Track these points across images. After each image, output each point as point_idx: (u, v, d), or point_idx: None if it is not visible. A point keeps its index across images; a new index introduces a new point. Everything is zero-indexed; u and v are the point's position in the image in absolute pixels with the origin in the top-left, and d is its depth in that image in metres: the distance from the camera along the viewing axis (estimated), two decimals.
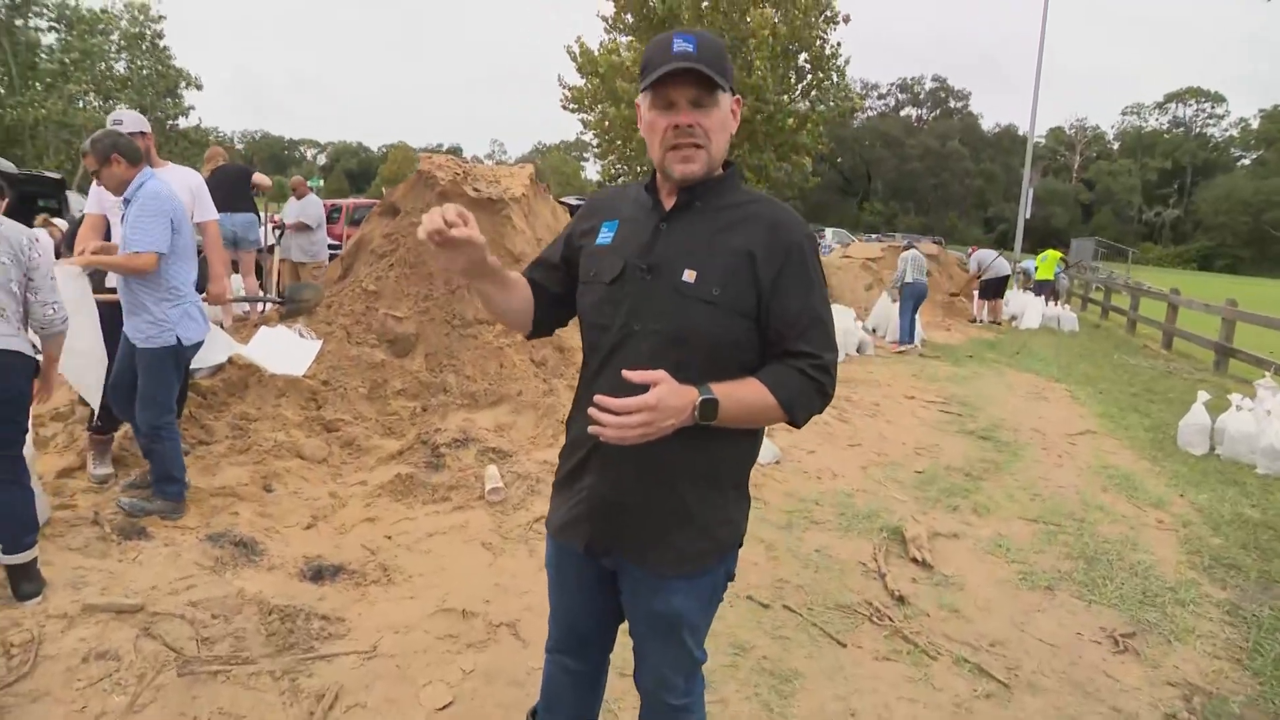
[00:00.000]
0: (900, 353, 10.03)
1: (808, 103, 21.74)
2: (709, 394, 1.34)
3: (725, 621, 2.96)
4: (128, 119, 4.01)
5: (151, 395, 3.35)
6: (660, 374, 1.31)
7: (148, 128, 4.06)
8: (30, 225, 6.94)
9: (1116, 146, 74.92)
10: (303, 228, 8.49)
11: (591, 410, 1.31)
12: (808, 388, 1.42)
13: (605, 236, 1.53)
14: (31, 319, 2.72)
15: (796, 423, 1.46)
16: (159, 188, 3.31)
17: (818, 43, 20.82)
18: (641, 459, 1.38)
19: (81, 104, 27.95)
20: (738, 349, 1.43)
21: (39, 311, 2.73)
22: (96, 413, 3.77)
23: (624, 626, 1.72)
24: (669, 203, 1.48)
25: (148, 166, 3.45)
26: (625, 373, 1.31)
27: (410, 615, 2.88)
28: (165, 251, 3.26)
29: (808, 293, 1.44)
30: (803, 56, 21.16)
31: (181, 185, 3.81)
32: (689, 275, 1.40)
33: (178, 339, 3.33)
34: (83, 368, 3.40)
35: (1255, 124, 67.38)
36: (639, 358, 1.39)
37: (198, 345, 3.51)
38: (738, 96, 1.48)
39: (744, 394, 1.38)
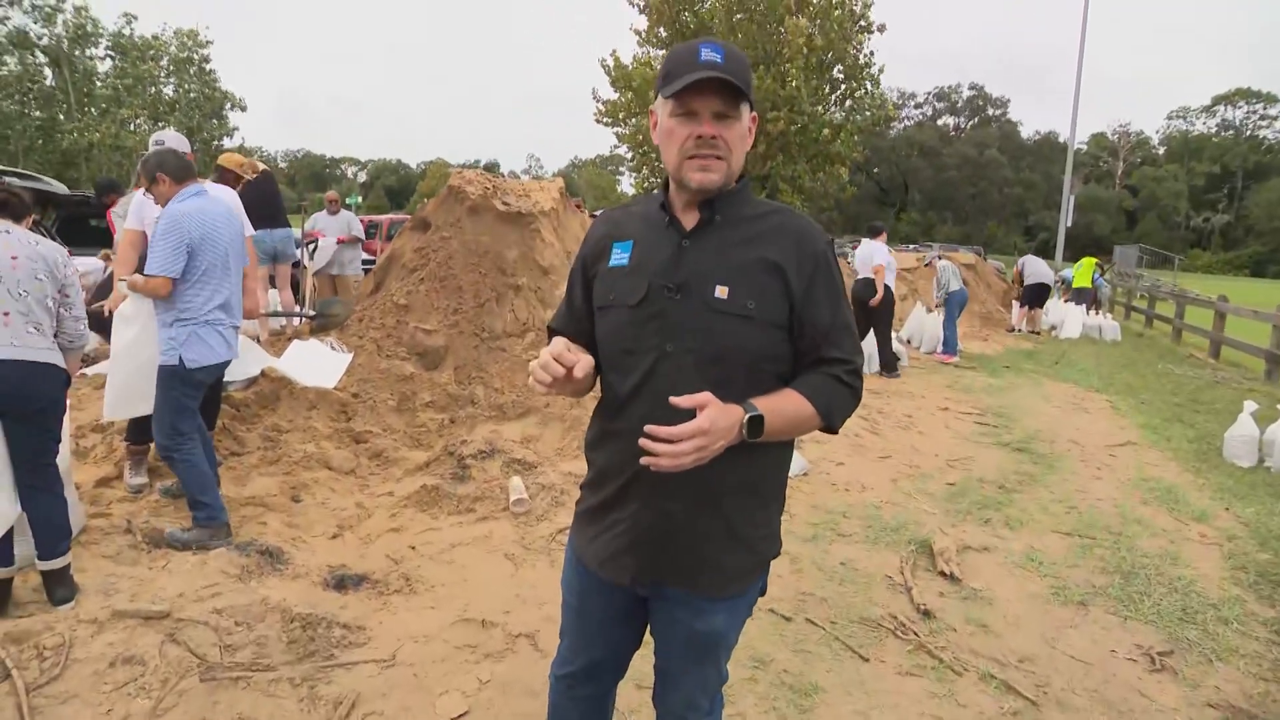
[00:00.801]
0: (947, 363, 9.85)
1: (842, 113, 21.66)
2: (754, 411, 1.33)
3: (746, 634, 2.89)
4: (169, 139, 4.18)
5: (159, 415, 3.32)
6: (706, 396, 1.29)
7: (188, 147, 4.23)
8: (80, 244, 7.21)
9: (1162, 151, 73.08)
10: (354, 241, 8.75)
11: (643, 441, 1.28)
12: (843, 393, 1.44)
13: (620, 258, 1.49)
14: (61, 333, 2.82)
15: (834, 428, 1.46)
16: (181, 209, 3.29)
17: (851, 52, 20.74)
18: (686, 481, 1.35)
19: (132, 127, 29.00)
20: (774, 361, 1.43)
21: (70, 326, 2.83)
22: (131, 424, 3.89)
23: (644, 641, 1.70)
24: (686, 218, 1.46)
25: (194, 184, 3.44)
26: (673, 399, 1.29)
27: (430, 625, 2.90)
28: (175, 275, 3.22)
29: (836, 301, 1.44)
30: (837, 67, 21.10)
31: None
32: (721, 291, 1.38)
33: (180, 359, 3.26)
34: (137, 379, 3.49)
35: None
36: (679, 379, 1.37)
37: (208, 369, 3.38)
38: (755, 114, 1.46)
39: (785, 406, 1.38)
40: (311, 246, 8.62)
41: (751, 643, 2.88)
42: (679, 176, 1.41)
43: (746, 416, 1.32)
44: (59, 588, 2.75)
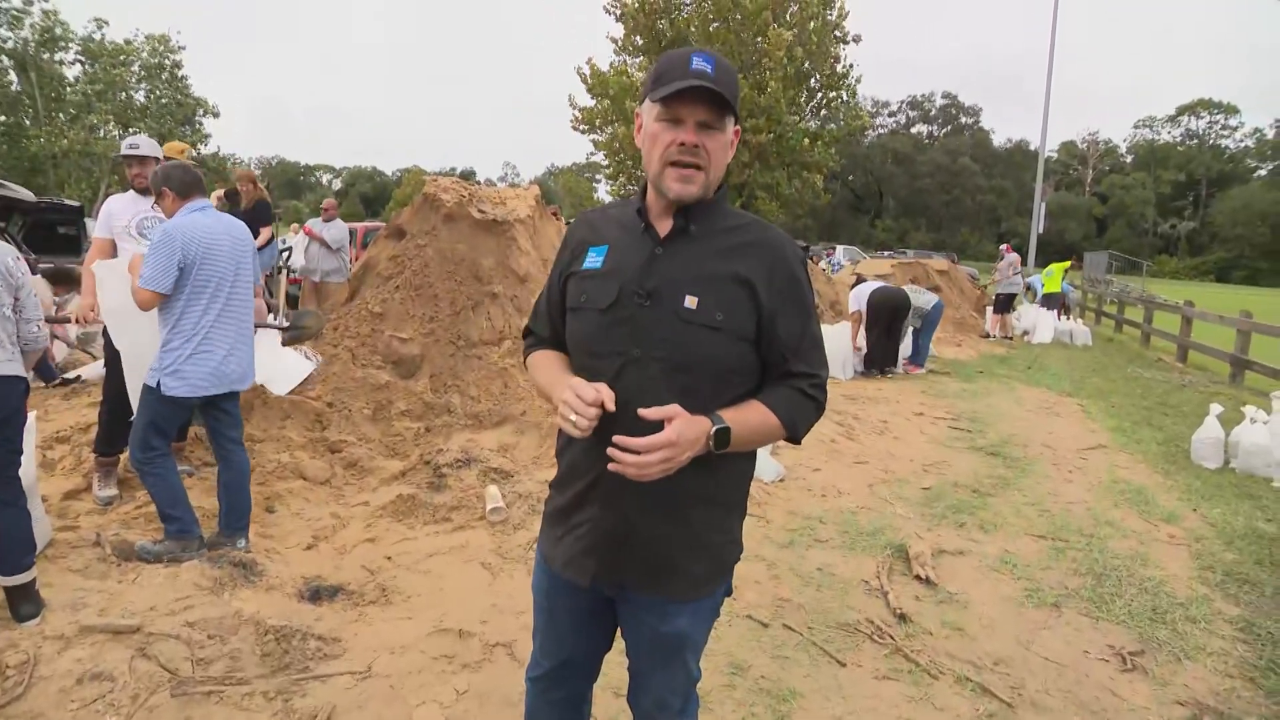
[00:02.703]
0: (912, 373, 9.96)
1: (817, 121, 21.89)
2: (721, 423, 1.36)
3: (723, 641, 2.94)
4: (142, 144, 4.09)
5: (135, 428, 3.23)
6: (674, 409, 1.32)
7: (160, 153, 4.16)
8: (47, 252, 7.09)
9: (1129, 160, 74.49)
10: (324, 244, 8.69)
11: (611, 450, 1.31)
12: (807, 405, 1.47)
13: (594, 261, 1.50)
14: (18, 337, 2.75)
15: (797, 439, 1.49)
16: (176, 224, 3.19)
17: (830, 62, 20.97)
18: (648, 488, 1.36)
19: (102, 133, 28.54)
20: (740, 373, 1.45)
21: (24, 330, 2.76)
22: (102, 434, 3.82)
23: (617, 645, 1.70)
24: (662, 226, 1.47)
25: (199, 199, 3.32)
26: (642, 411, 1.31)
27: (406, 635, 2.87)
28: (163, 291, 3.12)
29: (806, 317, 1.47)
30: (814, 77, 21.32)
31: None
32: (690, 301, 1.40)
33: (159, 383, 3.16)
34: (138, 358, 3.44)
35: (1270, 134, 66.93)
36: (644, 384, 1.39)
37: (182, 401, 3.21)
38: (738, 126, 1.48)
39: (750, 417, 1.41)
40: (286, 254, 8.55)
41: (729, 649, 2.89)
42: (658, 183, 1.43)
43: (714, 428, 1.35)
44: (23, 604, 2.68)
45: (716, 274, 1.42)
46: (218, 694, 2.40)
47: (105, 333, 3.77)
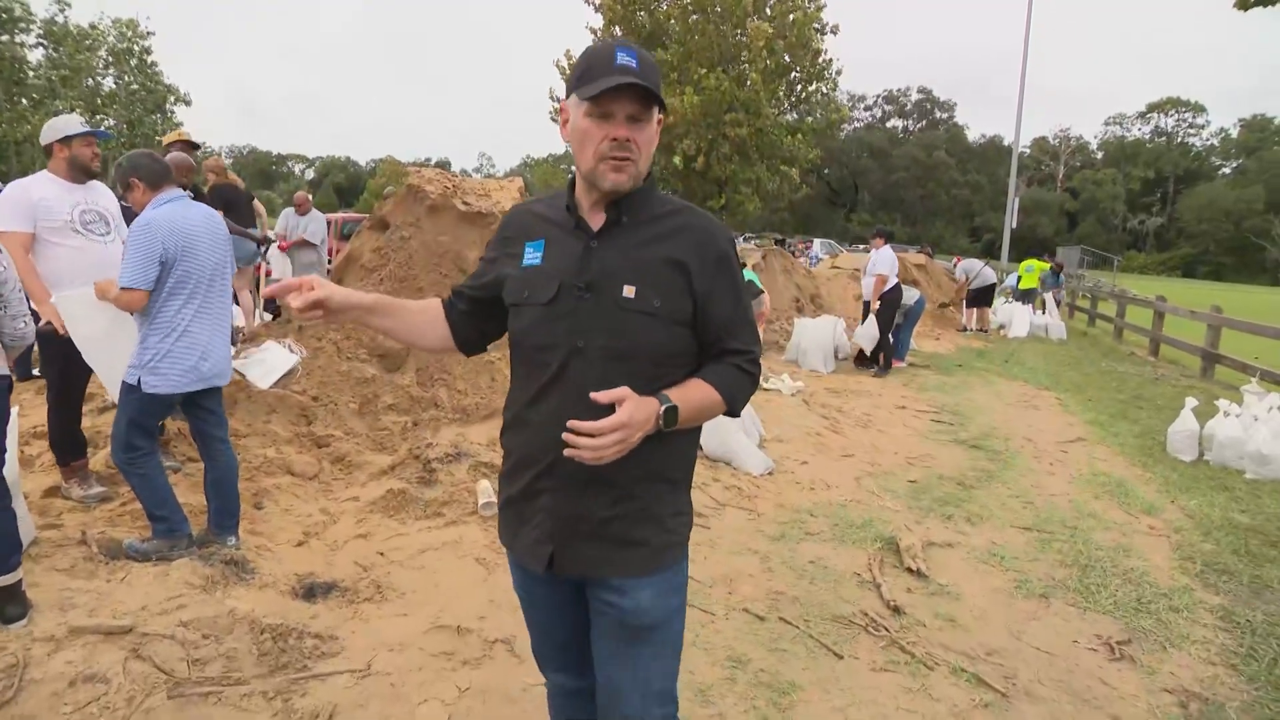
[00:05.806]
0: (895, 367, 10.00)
1: (795, 115, 21.96)
2: (669, 402, 1.42)
3: (722, 635, 2.96)
4: (60, 124, 3.67)
5: (115, 428, 3.13)
6: (624, 391, 1.37)
7: (78, 127, 3.67)
8: None
9: (1100, 156, 75.56)
10: (304, 244, 8.54)
11: (567, 436, 1.35)
12: (744, 380, 1.55)
13: (533, 258, 1.53)
14: (2, 334, 2.67)
15: (736, 413, 1.57)
16: (152, 217, 3.06)
17: (811, 55, 21.01)
18: (597, 469, 1.41)
19: None
20: (678, 356, 1.51)
21: (9, 326, 2.66)
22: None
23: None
24: (594, 219, 1.51)
25: (171, 189, 3.18)
26: (594, 395, 1.36)
27: (404, 633, 2.85)
28: (148, 288, 3.01)
29: (737, 296, 1.53)
30: (794, 70, 21.33)
31: None
32: (629, 290, 1.44)
33: (139, 381, 3.06)
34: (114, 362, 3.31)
35: (1235, 133, 68.32)
36: (589, 373, 1.43)
37: (164, 398, 3.12)
38: (662, 115, 1.50)
39: (694, 395, 1.47)
40: (264, 249, 8.41)
41: (728, 642, 2.91)
42: (591, 177, 1.46)
43: (663, 408, 1.41)
44: (10, 605, 2.61)
45: (651, 261, 1.46)
46: (216, 695, 2.37)
47: (39, 335, 3.47)
